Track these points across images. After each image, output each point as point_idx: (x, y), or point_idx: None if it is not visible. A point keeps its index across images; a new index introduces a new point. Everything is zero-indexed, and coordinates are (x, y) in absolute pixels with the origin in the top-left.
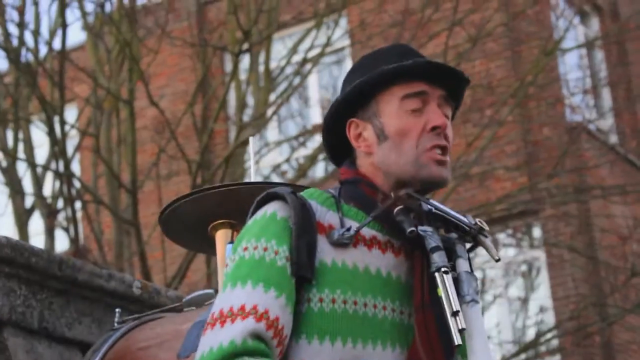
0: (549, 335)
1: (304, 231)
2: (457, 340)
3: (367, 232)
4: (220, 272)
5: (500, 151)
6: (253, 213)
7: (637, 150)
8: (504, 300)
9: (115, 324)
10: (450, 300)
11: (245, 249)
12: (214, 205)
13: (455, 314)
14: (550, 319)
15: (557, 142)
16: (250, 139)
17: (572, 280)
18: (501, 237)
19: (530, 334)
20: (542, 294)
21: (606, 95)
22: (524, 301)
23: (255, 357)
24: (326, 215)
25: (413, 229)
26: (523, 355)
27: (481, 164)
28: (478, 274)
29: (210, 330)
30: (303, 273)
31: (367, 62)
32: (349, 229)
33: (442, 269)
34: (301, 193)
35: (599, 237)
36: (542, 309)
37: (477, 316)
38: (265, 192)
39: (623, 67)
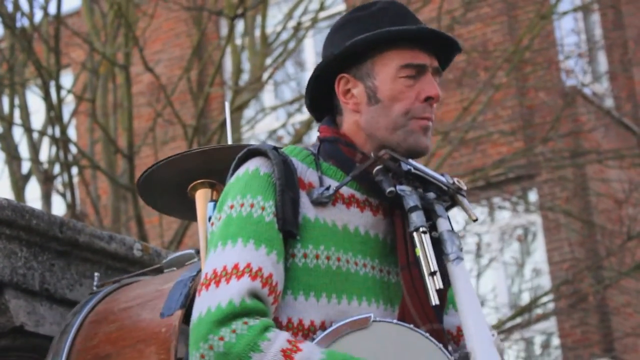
0: (544, 299)
1: (287, 186)
2: (434, 300)
3: (346, 190)
4: (201, 230)
5: (496, 115)
6: (234, 170)
7: (633, 114)
8: (500, 265)
9: (95, 287)
10: (428, 260)
11: (232, 206)
12: (190, 169)
13: (433, 274)
14: (545, 282)
15: (552, 106)
16: (227, 104)
17: (568, 244)
18: (497, 201)
19: (526, 298)
20: (538, 258)
21: (602, 58)
22: (520, 265)
23: (254, 317)
24: (307, 173)
25: (392, 189)
26: (519, 319)
27: (477, 129)
28: (473, 238)
29: (205, 291)
30: (289, 228)
31: (362, 18)
32: (328, 188)
33: (421, 229)
34: (282, 149)
35: (594, 201)
36: (537, 273)
37: (464, 273)
38: (246, 149)
39: (619, 30)
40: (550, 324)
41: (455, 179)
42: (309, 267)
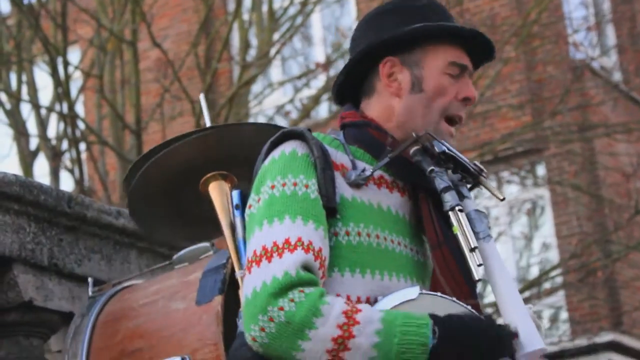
0: (553, 273)
1: (326, 165)
2: (477, 274)
3: (376, 172)
4: (222, 220)
5: (504, 90)
6: (267, 154)
7: None
8: (508, 238)
9: (90, 293)
10: (467, 237)
11: (273, 187)
12: (188, 160)
13: (473, 249)
14: (554, 256)
15: (560, 80)
16: (201, 96)
17: (576, 218)
18: (505, 175)
19: (534, 272)
20: (546, 232)
21: (610, 32)
22: (528, 239)
23: (308, 286)
24: (337, 155)
25: (432, 167)
26: (527, 293)
27: (485, 103)
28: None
29: (257, 267)
30: (333, 205)
31: (410, 10)
32: (364, 170)
33: (457, 207)
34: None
35: (602, 175)
36: (546, 247)
37: (494, 250)
38: (280, 132)
39: (627, 3)
40: (559, 298)
41: (477, 162)
42: (353, 244)
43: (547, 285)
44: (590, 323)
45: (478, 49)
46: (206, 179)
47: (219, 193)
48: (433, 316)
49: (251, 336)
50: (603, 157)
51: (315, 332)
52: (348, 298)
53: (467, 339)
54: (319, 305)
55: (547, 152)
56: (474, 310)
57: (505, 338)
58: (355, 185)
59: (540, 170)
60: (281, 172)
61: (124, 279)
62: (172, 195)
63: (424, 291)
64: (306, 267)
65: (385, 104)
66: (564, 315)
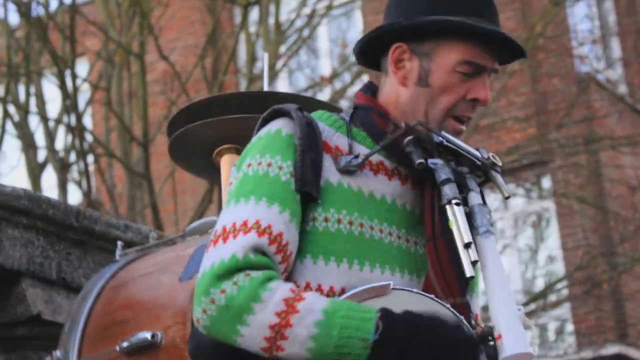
0: (558, 285)
1: (309, 148)
2: (469, 272)
3: (374, 157)
4: (224, 195)
5: (510, 102)
6: (258, 130)
7: None
8: (514, 251)
9: (117, 256)
10: (461, 232)
11: (249, 165)
12: (221, 134)
13: (467, 245)
14: (559, 269)
15: (566, 92)
16: (265, 55)
17: (582, 231)
18: (511, 187)
19: (540, 284)
20: (552, 244)
21: (615, 45)
22: (534, 251)
23: (256, 270)
24: (334, 137)
25: (422, 160)
26: (533, 305)
27: (491, 115)
28: None
29: (213, 247)
30: (308, 189)
31: None
32: (356, 156)
33: (454, 201)
34: (310, 114)
35: (608, 187)
36: (551, 259)
37: (492, 247)
38: (270, 109)
39: (632, 16)
40: (564, 310)
41: (491, 154)
42: (330, 231)
43: (552, 297)
44: (596, 335)
45: (504, 47)
46: (220, 150)
47: (227, 167)
48: (384, 310)
49: (196, 317)
50: (608, 169)
51: (253, 318)
52: (319, 287)
53: (415, 337)
54: (259, 291)
55: (553, 164)
56: (453, 310)
57: (467, 346)
58: (346, 171)
59: (546, 182)
60: (260, 151)
61: (147, 246)
62: (207, 154)
63: (398, 286)
64: (259, 251)
65: (393, 89)
66: (569, 327)
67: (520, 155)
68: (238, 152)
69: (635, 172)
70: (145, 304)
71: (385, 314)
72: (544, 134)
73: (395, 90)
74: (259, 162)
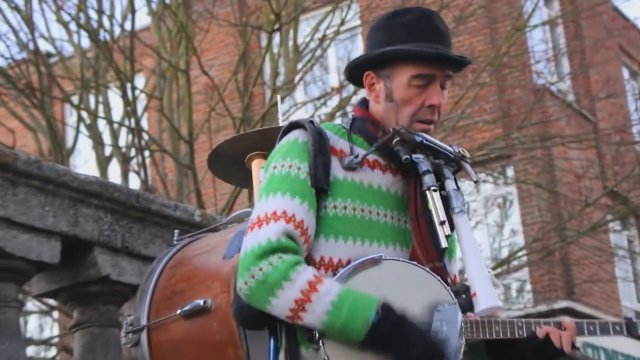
0: (519, 254)
1: (320, 152)
2: (444, 243)
3: (371, 157)
4: (255, 192)
5: (481, 108)
6: (280, 140)
7: (589, 106)
8: (484, 226)
9: (175, 241)
10: (438, 212)
11: (275, 167)
12: (249, 145)
13: (442, 223)
14: (520, 240)
15: (525, 100)
16: (278, 97)
17: (538, 210)
18: (481, 176)
19: (505, 253)
20: (514, 221)
21: (565, 62)
22: (500, 227)
23: (287, 253)
24: (338, 142)
25: (407, 156)
26: (499, 269)
27: (465, 119)
28: None
29: (251, 232)
30: (320, 185)
31: (395, 27)
32: (357, 156)
33: (432, 188)
34: (319, 124)
35: (559, 175)
36: (514, 233)
37: (466, 223)
38: (289, 122)
39: (578, 40)
40: (524, 273)
41: (461, 149)
42: (338, 216)
43: (514, 263)
44: (548, 293)
45: (449, 61)
46: (251, 155)
47: (257, 169)
48: (384, 304)
49: (239, 287)
50: (559, 161)
51: (283, 292)
52: (330, 259)
53: (400, 327)
54: (289, 272)
55: (515, 157)
56: (433, 273)
57: (434, 345)
58: (349, 168)
59: (510, 172)
60: (283, 156)
61: (197, 232)
62: (240, 162)
63: (388, 257)
64: (288, 235)
65: (373, 105)
66: (528, 287)
67: (489, 150)
68: (264, 157)
69: (580, 163)
70: (198, 277)
71: (385, 306)
72: (508, 133)
73: (374, 106)
74: (282, 164)
